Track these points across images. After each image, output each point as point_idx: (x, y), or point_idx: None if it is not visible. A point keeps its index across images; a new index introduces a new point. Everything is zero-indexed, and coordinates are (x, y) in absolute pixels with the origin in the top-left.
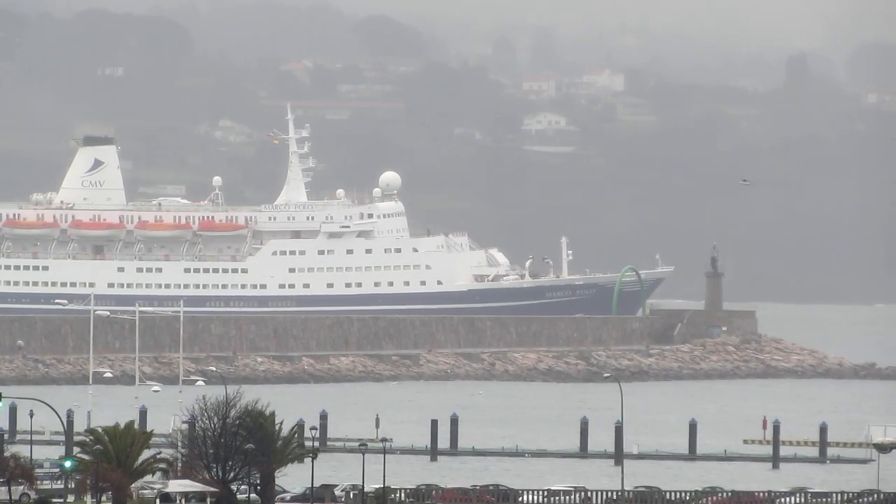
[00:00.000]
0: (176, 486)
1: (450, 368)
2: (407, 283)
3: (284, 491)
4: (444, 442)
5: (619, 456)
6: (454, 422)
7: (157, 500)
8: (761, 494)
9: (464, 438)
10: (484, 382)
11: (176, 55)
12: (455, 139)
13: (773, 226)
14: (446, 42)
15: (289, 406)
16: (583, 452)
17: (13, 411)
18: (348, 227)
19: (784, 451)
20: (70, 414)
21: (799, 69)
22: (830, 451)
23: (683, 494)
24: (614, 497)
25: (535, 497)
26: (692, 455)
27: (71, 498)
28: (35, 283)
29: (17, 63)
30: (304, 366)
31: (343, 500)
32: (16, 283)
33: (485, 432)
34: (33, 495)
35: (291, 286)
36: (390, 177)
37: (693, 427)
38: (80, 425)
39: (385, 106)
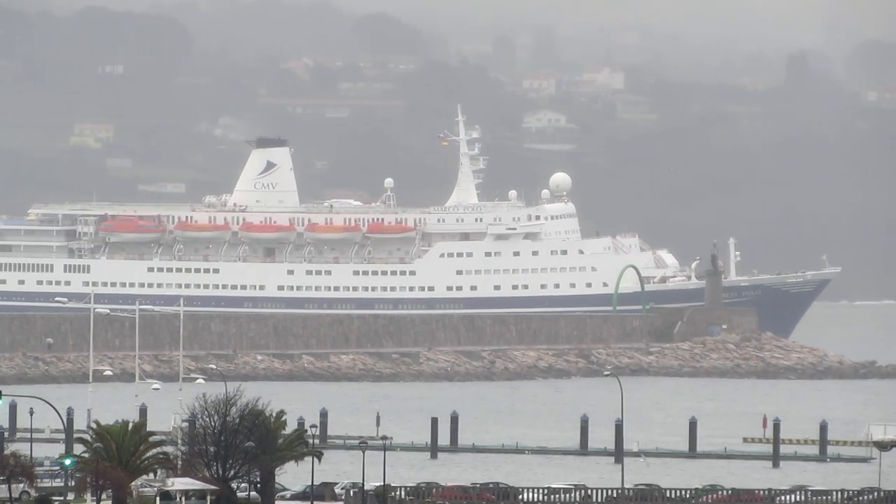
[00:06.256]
0: (176, 483)
1: (450, 366)
2: (573, 286)
3: (284, 489)
4: (444, 440)
5: (619, 454)
6: (454, 419)
7: (158, 499)
8: (761, 492)
9: (464, 436)
10: (484, 381)
11: (176, 53)
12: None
13: (772, 224)
14: (446, 40)
15: (289, 404)
16: (583, 450)
17: (13, 409)
18: (514, 228)
19: (784, 449)
20: (70, 412)
21: (799, 67)
22: (830, 450)
23: (684, 492)
24: (614, 495)
25: (536, 495)
26: (692, 453)
27: (71, 496)
28: (206, 286)
29: (16, 61)
30: (304, 364)
31: (343, 498)
32: (187, 286)
33: (485, 430)
34: (33, 493)
35: (459, 288)
36: (560, 178)
37: (693, 425)
38: (80, 423)
39: (385, 104)
